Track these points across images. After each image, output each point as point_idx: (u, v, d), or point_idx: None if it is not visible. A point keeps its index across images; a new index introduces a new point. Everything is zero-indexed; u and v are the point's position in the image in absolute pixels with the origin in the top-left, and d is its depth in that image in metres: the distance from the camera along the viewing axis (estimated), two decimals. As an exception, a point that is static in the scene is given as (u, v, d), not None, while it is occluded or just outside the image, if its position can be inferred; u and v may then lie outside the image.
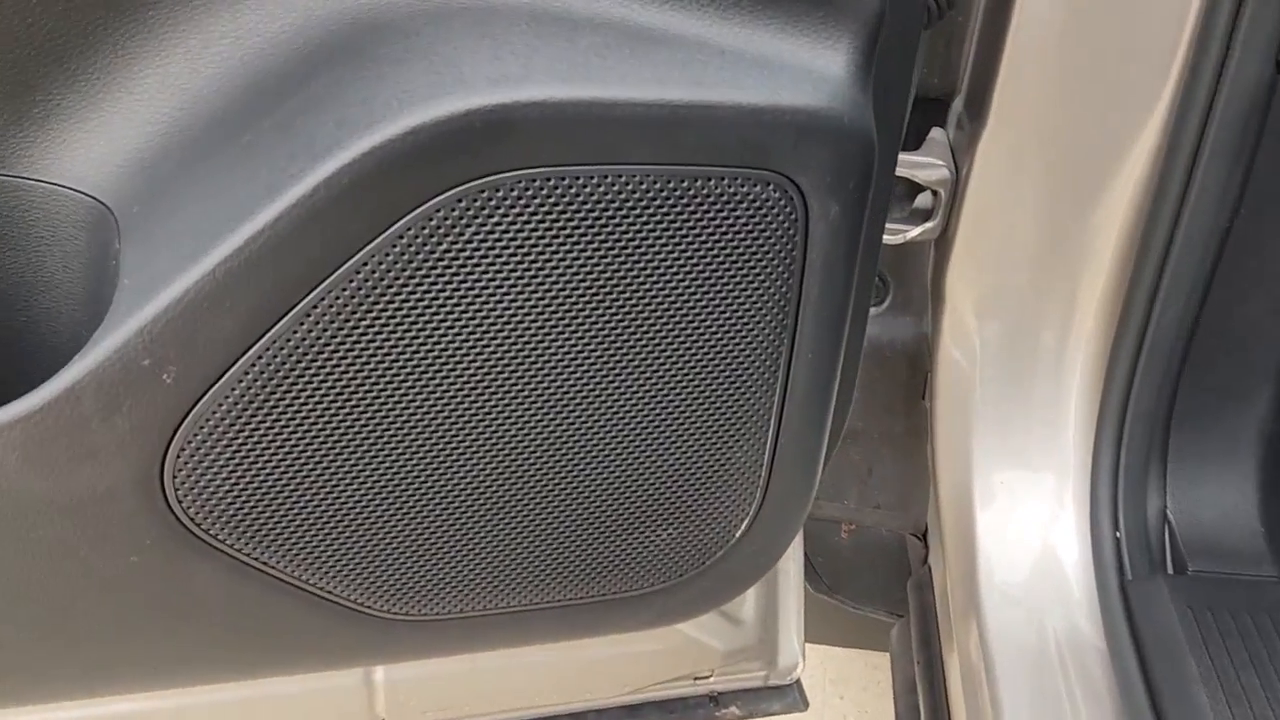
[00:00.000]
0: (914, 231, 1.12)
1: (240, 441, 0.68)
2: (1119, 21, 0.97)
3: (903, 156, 1.09)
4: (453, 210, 0.63)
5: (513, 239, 0.65)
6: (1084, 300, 1.05)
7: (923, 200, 1.14)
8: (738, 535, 0.83)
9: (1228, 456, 1.05)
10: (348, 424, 0.69)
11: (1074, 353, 1.07)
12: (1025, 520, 1.09)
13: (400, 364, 0.67)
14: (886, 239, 1.12)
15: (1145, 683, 0.92)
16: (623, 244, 0.66)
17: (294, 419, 0.68)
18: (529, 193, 0.63)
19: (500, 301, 0.66)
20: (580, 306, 0.68)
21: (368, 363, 0.67)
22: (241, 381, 0.65)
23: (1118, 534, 1.03)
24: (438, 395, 0.69)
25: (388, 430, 0.70)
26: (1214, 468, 1.05)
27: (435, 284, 0.65)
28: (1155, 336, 1.02)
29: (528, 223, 0.64)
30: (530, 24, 0.65)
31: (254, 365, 0.65)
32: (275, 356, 0.65)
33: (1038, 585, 1.05)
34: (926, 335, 1.23)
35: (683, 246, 0.68)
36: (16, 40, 0.66)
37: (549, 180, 0.63)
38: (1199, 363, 1.03)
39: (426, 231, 0.63)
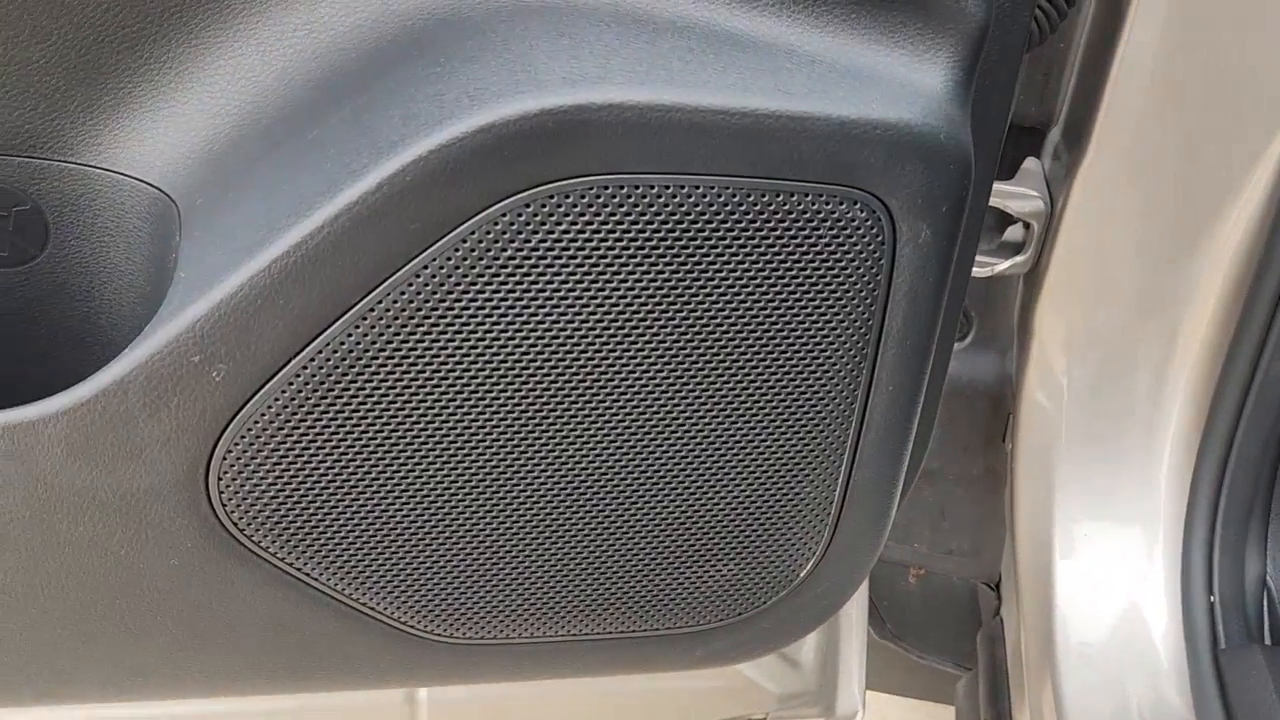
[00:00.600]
0: (1004, 265, 1.07)
1: (289, 446, 0.65)
2: (1237, 47, 0.91)
3: (995, 186, 1.04)
4: (519, 215, 0.60)
5: (580, 249, 0.61)
6: (1185, 342, 0.99)
7: (1013, 233, 1.09)
8: (802, 575, 0.78)
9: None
10: (400, 434, 0.66)
11: (1171, 398, 1.01)
12: (1109, 576, 1.02)
13: (457, 374, 0.64)
14: (975, 272, 1.07)
15: (1238, 762, 0.86)
16: (697, 260, 0.63)
17: (345, 426, 0.65)
18: (600, 200, 0.60)
19: (565, 314, 0.63)
20: (649, 324, 0.64)
21: (423, 371, 0.64)
22: (293, 384, 0.63)
23: (1211, 598, 0.96)
24: (494, 409, 0.66)
25: (440, 443, 0.67)
26: (1322, 530, 0.98)
27: (498, 292, 0.62)
28: (1265, 383, 0.95)
29: (597, 232, 0.61)
30: (610, 25, 0.62)
31: (306, 367, 0.62)
32: (329, 360, 0.63)
33: (1120, 648, 0.99)
34: (1010, 374, 1.17)
35: (761, 265, 0.64)
36: (90, 27, 0.65)
37: (622, 188, 0.60)
38: None
39: (491, 236, 0.60)
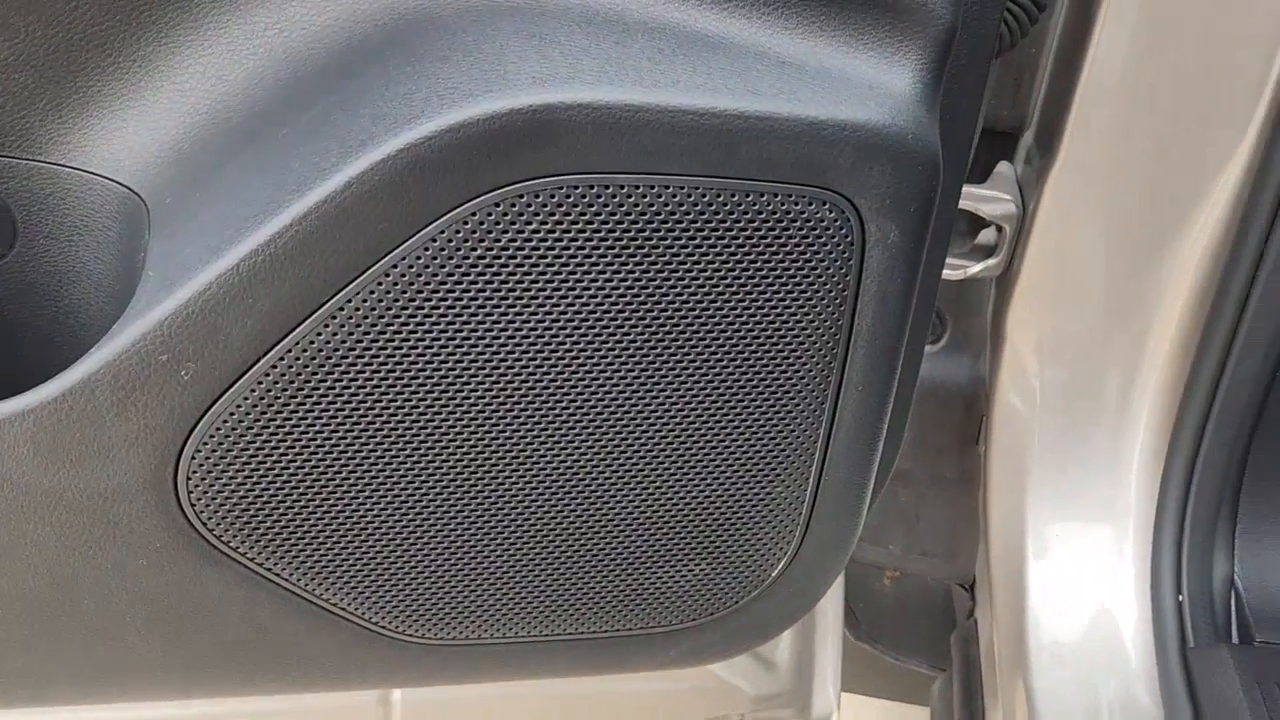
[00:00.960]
0: (976, 268, 1.08)
1: (258, 445, 0.65)
2: (1202, 57, 0.92)
3: (967, 189, 1.05)
4: (489, 215, 0.60)
5: (550, 248, 0.61)
6: (1154, 347, 1.00)
7: (986, 236, 1.10)
8: (774, 575, 0.79)
9: (1306, 520, 0.99)
10: (370, 433, 0.66)
11: (1140, 402, 1.02)
12: (1080, 577, 1.03)
13: (427, 373, 0.64)
14: (947, 274, 1.08)
15: (1205, 760, 0.86)
16: (666, 259, 0.63)
17: (315, 425, 0.65)
18: (570, 199, 0.60)
19: (535, 314, 0.63)
20: (619, 324, 0.65)
21: (393, 370, 0.64)
22: (262, 383, 0.63)
23: (1180, 597, 0.97)
24: (464, 408, 0.66)
25: (411, 442, 0.67)
26: (1288, 531, 0.99)
27: (468, 291, 0.62)
28: (1230, 388, 0.96)
29: (567, 232, 0.61)
30: (581, 25, 0.62)
31: (275, 366, 0.62)
32: (298, 359, 0.62)
33: (1091, 647, 0.99)
34: (983, 377, 1.18)
35: (730, 265, 0.64)
36: (60, 25, 0.65)
37: (591, 188, 0.60)
38: (1276, 418, 0.97)
39: (461, 235, 0.60)
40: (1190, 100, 0.94)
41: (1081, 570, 1.03)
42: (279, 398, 0.63)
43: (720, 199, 0.62)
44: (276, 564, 0.71)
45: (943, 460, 1.23)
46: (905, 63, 0.64)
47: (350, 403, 0.64)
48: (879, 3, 0.63)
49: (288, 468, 0.66)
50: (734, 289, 0.65)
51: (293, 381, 0.63)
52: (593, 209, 0.61)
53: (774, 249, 0.64)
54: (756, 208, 0.62)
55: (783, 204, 0.63)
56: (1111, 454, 1.03)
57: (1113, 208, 1.01)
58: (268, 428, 0.64)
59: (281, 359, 0.62)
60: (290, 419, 0.64)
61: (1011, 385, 1.10)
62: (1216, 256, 0.97)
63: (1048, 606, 1.03)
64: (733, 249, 0.63)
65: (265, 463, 0.66)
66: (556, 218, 0.61)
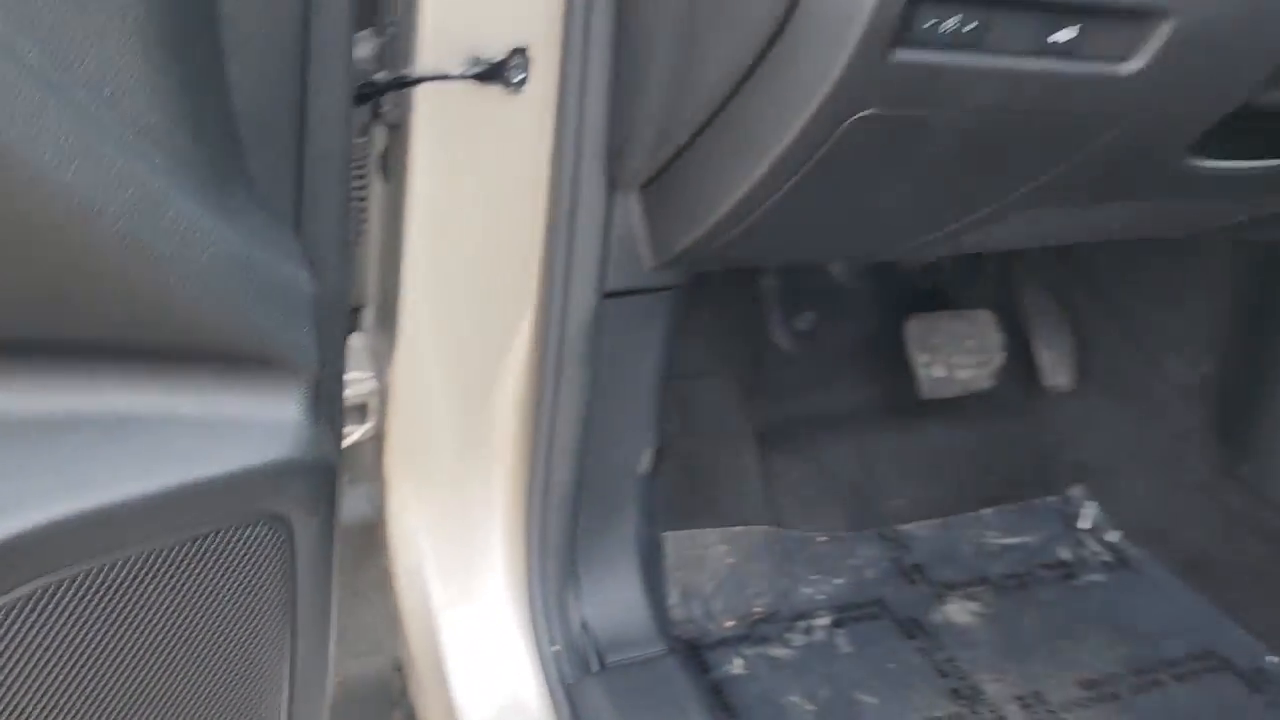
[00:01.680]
0: (356, 433, 1.31)
1: None
2: (485, 256, 1.23)
3: (334, 377, 1.26)
4: (-28, 633, 0.68)
5: (37, 635, 0.71)
6: (498, 470, 1.32)
7: (360, 398, 1.33)
8: (268, 781, 0.96)
9: (619, 563, 1.39)
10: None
11: (498, 510, 1.33)
12: (485, 653, 1.33)
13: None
14: (332, 444, 1.29)
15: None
16: (142, 609, 0.76)
17: None
18: (50, 594, 0.71)
19: (33, 688, 0.73)
20: (106, 667, 0.77)
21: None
22: None
23: (554, 648, 1.31)
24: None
25: None
26: (611, 574, 1.38)
27: None
28: (555, 488, 1.31)
29: (51, 619, 0.71)
30: (11, 438, 0.72)
31: None
32: None
33: (504, 710, 1.30)
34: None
35: (198, 593, 0.79)
36: None
37: (62, 582, 0.71)
38: (587, 500, 1.34)
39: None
40: (477, 277, 1.24)
41: (485, 647, 1.33)
42: None
43: (176, 550, 0.77)
44: None
45: (360, 575, 1.45)
46: (293, 401, 0.83)
47: None
48: (263, 365, 0.81)
49: None
50: (206, 607, 0.80)
51: None
52: (69, 596, 0.72)
53: (227, 566, 0.80)
54: (203, 546, 0.78)
55: (230, 534, 0.79)
56: (487, 553, 1.34)
57: (445, 368, 1.29)
58: None
59: None
60: None
61: (400, 512, 1.35)
62: (535, 390, 1.30)
63: (461, 680, 1.32)
64: (198, 580, 0.79)
65: None
66: (37, 613, 0.71)
